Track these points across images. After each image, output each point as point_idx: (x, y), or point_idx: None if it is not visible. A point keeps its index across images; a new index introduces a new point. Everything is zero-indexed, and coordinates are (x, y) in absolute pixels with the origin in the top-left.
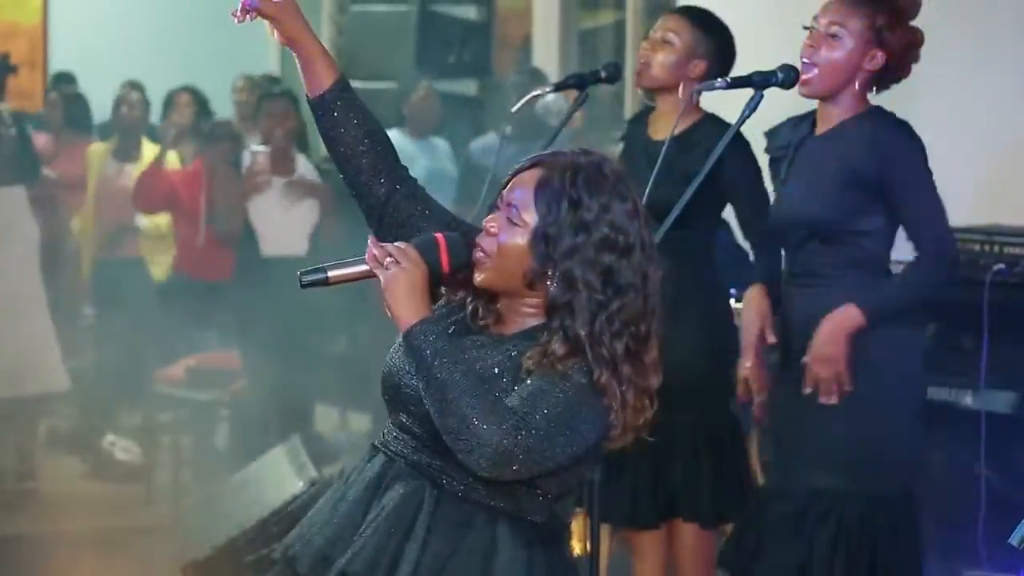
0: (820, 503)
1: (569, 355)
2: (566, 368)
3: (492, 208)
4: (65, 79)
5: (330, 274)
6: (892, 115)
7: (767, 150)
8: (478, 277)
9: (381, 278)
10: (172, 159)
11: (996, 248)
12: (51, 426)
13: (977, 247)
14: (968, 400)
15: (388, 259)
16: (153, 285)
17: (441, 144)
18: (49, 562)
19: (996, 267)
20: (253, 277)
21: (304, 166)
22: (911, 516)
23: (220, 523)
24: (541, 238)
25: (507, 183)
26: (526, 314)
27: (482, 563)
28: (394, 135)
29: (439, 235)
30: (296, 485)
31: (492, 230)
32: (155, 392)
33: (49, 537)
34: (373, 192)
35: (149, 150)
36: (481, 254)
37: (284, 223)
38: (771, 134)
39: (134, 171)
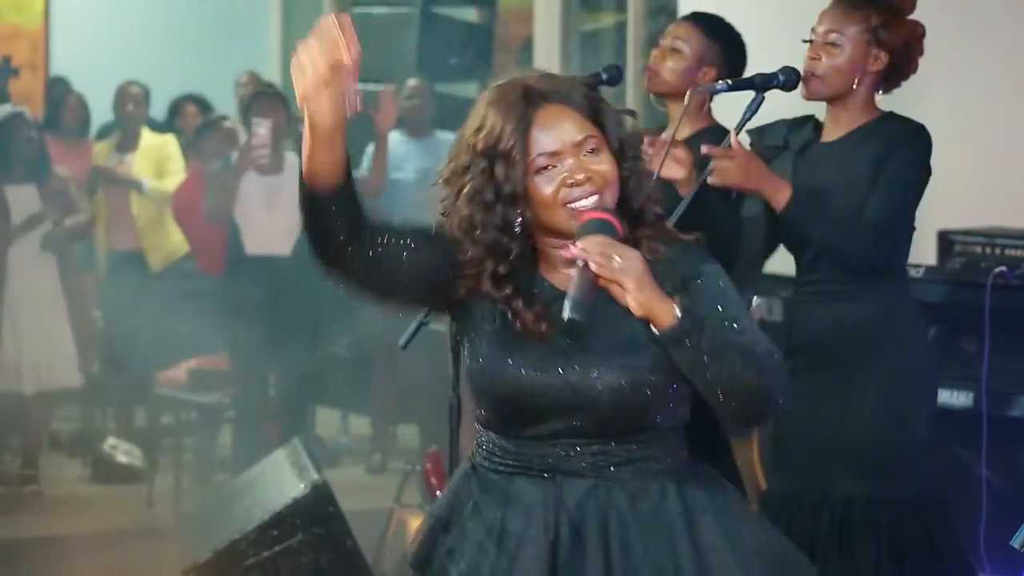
0: (853, 510)
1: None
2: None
3: (529, 174)
4: (61, 83)
5: (581, 301)
6: (907, 118)
7: (753, 147)
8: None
9: (622, 279)
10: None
11: (998, 251)
12: (53, 429)
13: (979, 249)
14: (969, 402)
15: (615, 259)
16: (155, 282)
17: (448, 139)
18: (52, 564)
19: (998, 270)
20: (239, 274)
21: (293, 162)
22: (945, 520)
23: (221, 526)
24: (619, 148)
25: (526, 138)
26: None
27: (686, 528)
28: (393, 136)
29: (601, 214)
30: (297, 488)
31: (587, 173)
32: (157, 394)
33: (52, 540)
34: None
35: (148, 138)
36: (595, 195)
37: (268, 221)
38: (760, 132)
39: (133, 159)
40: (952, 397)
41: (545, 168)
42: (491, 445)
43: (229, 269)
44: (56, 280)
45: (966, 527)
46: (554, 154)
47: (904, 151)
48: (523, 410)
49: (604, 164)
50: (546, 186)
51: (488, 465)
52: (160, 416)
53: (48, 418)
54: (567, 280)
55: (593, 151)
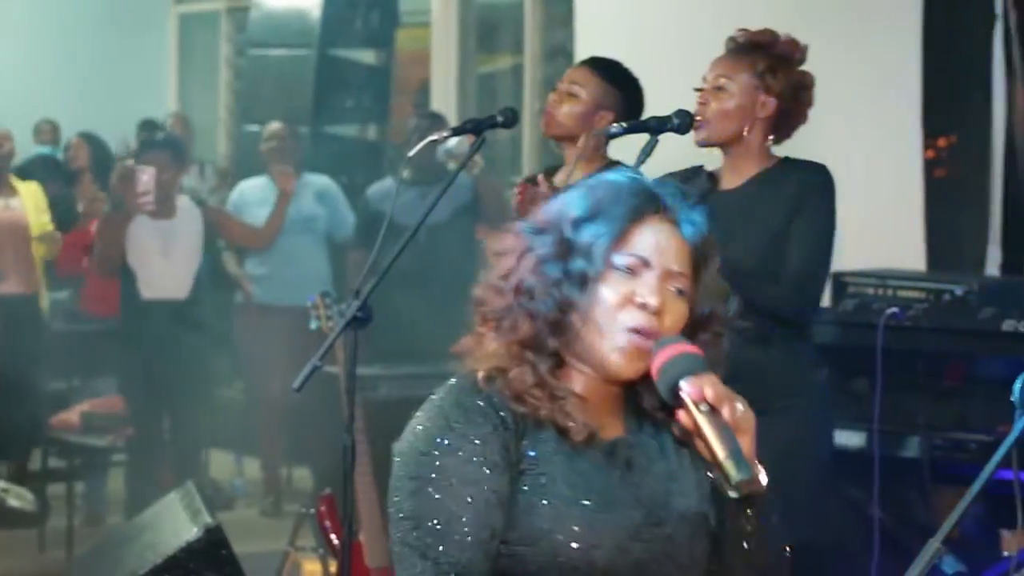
0: None
1: None
2: None
3: (610, 270)
4: None
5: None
6: (807, 162)
7: None
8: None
9: (743, 432)
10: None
11: (889, 292)
12: None
13: (871, 291)
14: (862, 443)
15: (738, 407)
16: (46, 326)
17: (316, 182)
18: None
19: (889, 311)
20: (135, 319)
21: (185, 205)
22: (838, 563)
23: (114, 570)
24: (703, 318)
25: (625, 228)
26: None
27: None
28: (258, 181)
29: (693, 348)
30: (191, 531)
31: (662, 307)
32: (48, 438)
33: None
34: None
35: (22, 185)
36: (653, 338)
37: (164, 266)
38: None
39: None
40: (845, 438)
41: (623, 269)
42: None
43: (124, 313)
44: None
45: (859, 567)
46: (645, 263)
47: (816, 198)
48: None
49: (678, 314)
50: (611, 291)
51: None
52: (52, 459)
53: None
54: (610, 426)
55: (680, 292)
